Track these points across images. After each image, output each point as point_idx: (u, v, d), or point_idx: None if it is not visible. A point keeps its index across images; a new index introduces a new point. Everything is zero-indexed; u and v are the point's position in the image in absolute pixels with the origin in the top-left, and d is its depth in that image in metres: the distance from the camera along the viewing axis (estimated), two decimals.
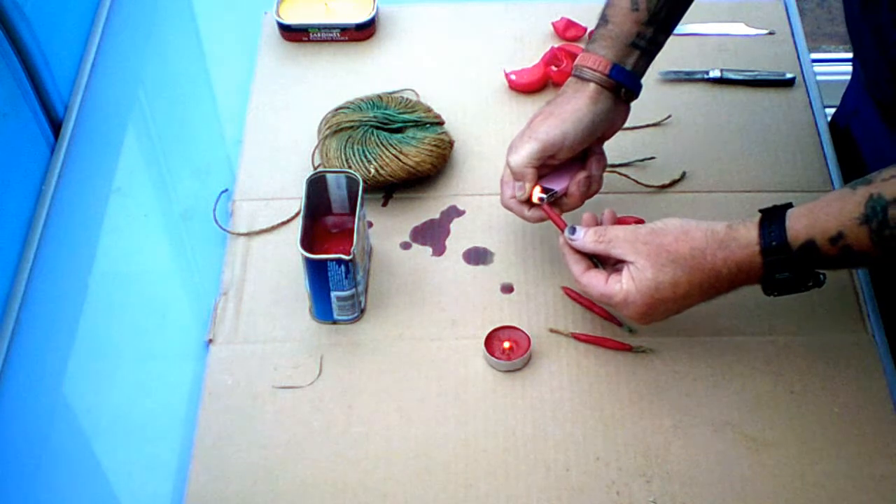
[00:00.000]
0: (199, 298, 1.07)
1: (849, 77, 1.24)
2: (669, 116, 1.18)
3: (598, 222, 0.98)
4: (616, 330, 1.02)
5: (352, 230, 0.99)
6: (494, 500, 0.92)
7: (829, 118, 1.22)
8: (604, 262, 0.96)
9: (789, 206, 0.88)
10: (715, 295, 0.92)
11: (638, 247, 0.92)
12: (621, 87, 1.01)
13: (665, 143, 1.17)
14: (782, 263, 0.87)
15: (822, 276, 0.89)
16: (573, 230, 0.97)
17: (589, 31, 1.27)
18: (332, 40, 1.29)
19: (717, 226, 0.90)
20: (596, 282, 0.94)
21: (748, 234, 0.88)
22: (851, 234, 0.83)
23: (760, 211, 0.89)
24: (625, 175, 1.13)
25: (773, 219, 0.87)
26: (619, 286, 0.92)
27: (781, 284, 0.89)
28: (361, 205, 1.00)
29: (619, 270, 0.93)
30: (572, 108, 1.00)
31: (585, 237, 0.95)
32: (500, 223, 1.11)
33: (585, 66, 1.01)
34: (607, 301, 0.94)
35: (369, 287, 1.06)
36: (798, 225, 0.86)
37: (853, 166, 1.15)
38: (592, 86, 1.00)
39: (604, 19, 1.02)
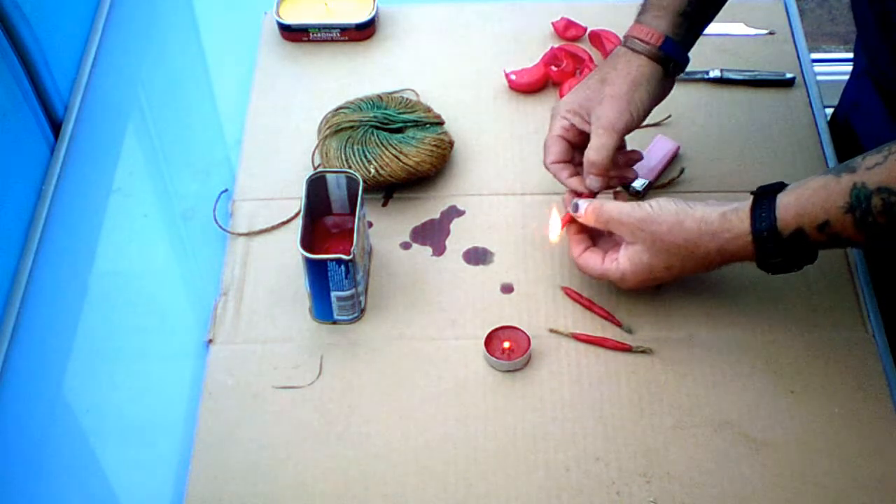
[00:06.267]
0: (199, 298, 1.07)
1: (848, 76, 1.23)
2: (669, 116, 1.18)
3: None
4: (616, 330, 1.02)
5: (352, 230, 0.99)
6: (494, 500, 0.92)
7: (829, 116, 1.22)
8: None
9: (780, 187, 0.91)
10: (709, 270, 0.97)
11: (635, 232, 0.95)
12: (671, 60, 1.00)
13: None
14: (774, 250, 0.90)
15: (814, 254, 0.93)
16: (576, 207, 1.00)
17: (593, 33, 1.28)
18: (332, 40, 1.29)
19: (711, 214, 0.93)
20: (593, 263, 0.99)
21: (740, 224, 0.91)
22: (837, 221, 0.86)
23: (752, 193, 0.92)
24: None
25: (763, 205, 0.90)
26: (616, 265, 0.97)
27: (775, 266, 0.92)
28: (361, 205, 1.00)
29: (617, 245, 0.98)
30: (630, 84, 0.99)
31: (587, 214, 0.99)
32: (500, 223, 1.11)
33: (637, 37, 1.00)
34: (605, 278, 0.99)
35: (369, 287, 1.06)
36: (787, 215, 0.89)
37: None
38: (644, 59, 1.00)
39: None
